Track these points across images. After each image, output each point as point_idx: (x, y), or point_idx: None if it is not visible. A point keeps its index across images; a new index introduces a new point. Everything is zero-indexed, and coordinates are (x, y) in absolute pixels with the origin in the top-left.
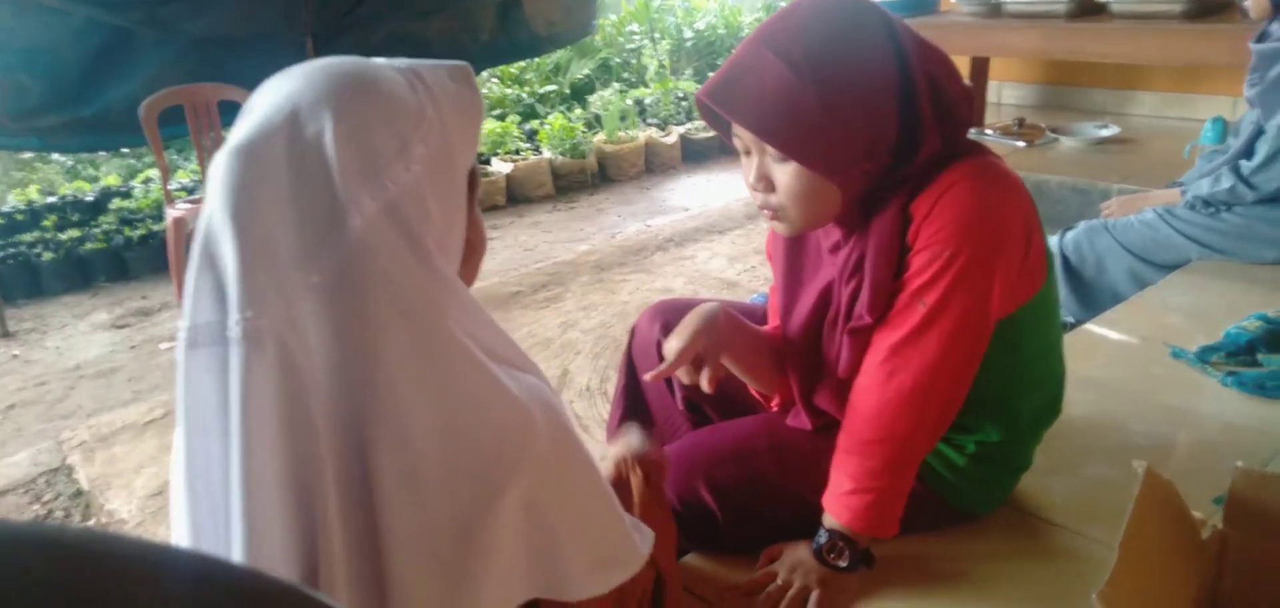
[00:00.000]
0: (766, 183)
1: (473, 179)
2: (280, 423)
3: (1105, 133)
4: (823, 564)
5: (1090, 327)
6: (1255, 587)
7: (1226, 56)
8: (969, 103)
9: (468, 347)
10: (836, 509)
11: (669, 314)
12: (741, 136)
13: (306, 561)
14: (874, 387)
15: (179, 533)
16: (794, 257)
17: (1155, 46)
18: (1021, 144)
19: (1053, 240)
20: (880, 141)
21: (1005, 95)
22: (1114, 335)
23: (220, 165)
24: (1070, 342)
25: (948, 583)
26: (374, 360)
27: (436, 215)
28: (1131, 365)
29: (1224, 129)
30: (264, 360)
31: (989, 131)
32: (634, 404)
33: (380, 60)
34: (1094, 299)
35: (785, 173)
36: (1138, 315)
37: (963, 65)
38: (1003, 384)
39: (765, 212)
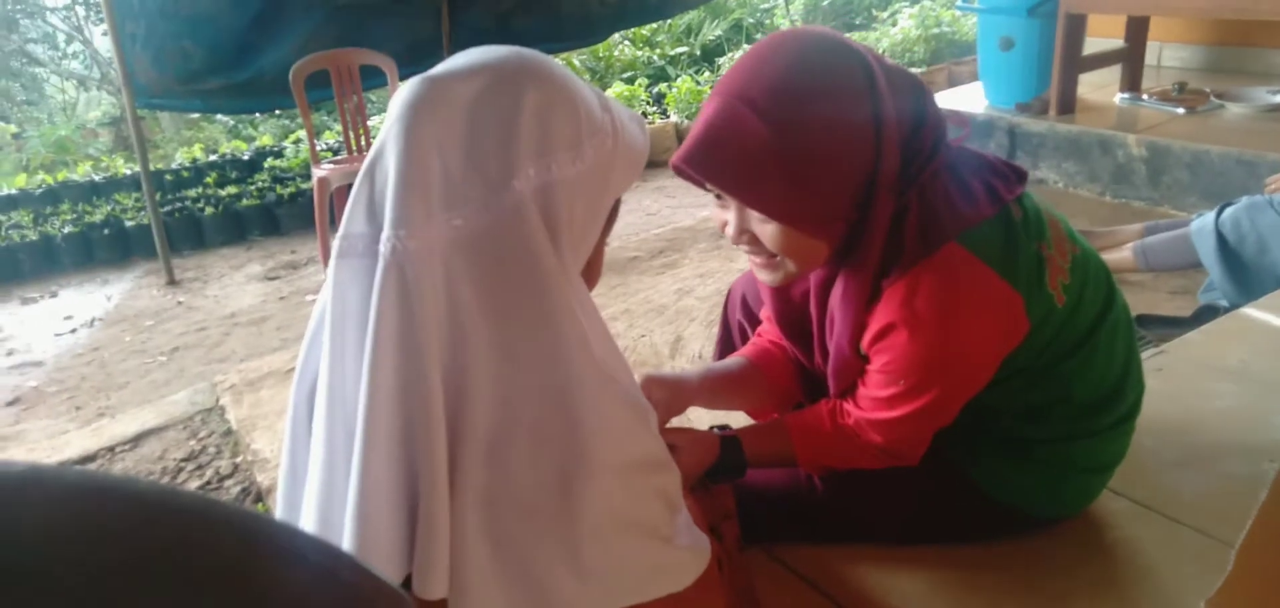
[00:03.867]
0: (749, 237)
1: (614, 211)
2: (398, 351)
3: None
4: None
5: (1246, 312)
6: None
7: None
8: (936, 145)
9: (584, 341)
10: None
11: (749, 284)
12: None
13: (408, 497)
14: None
15: (315, 448)
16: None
17: None
18: (1181, 110)
19: (1209, 217)
20: (859, 192)
21: (1166, 57)
22: (1273, 321)
23: (410, 86)
24: (1220, 327)
25: (1054, 580)
26: (494, 321)
27: (579, 219)
28: None
29: None
30: (401, 282)
31: (1145, 97)
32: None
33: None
34: (1254, 282)
35: (771, 230)
36: None
37: (1118, 24)
38: (1029, 399)
39: (755, 260)
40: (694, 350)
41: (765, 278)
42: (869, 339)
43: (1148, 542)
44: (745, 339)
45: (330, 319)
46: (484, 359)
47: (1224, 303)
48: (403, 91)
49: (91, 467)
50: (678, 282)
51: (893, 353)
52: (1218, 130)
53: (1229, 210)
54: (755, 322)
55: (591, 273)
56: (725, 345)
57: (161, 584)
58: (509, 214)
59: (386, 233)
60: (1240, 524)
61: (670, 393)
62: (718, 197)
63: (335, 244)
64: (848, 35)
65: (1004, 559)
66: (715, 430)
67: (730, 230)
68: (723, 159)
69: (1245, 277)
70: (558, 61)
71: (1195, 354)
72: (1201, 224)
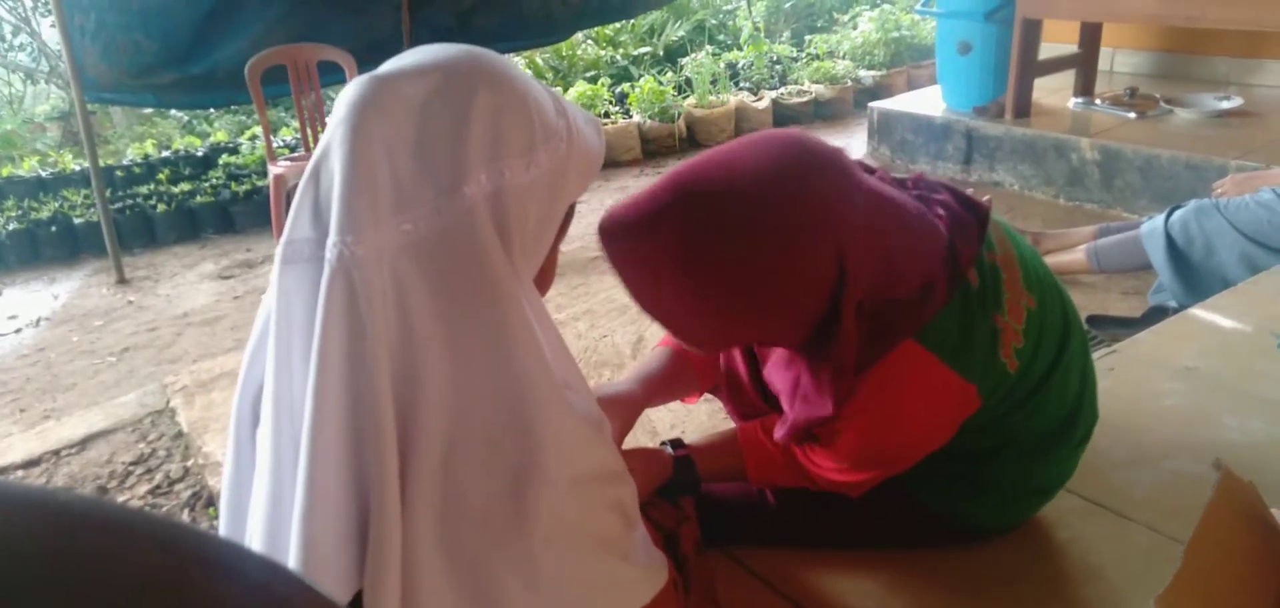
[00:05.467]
0: None
1: (567, 217)
2: (346, 360)
3: (1226, 105)
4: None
5: (1194, 312)
6: None
7: None
8: (918, 301)
9: (539, 348)
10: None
11: None
12: None
13: (358, 510)
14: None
15: (260, 460)
16: None
17: None
18: (1132, 115)
19: (1159, 220)
20: (803, 331)
21: (1118, 63)
22: (1219, 322)
23: (355, 87)
24: (1169, 328)
25: (1010, 578)
26: (445, 328)
27: (531, 225)
28: (1233, 356)
29: None
30: (348, 289)
31: (1098, 101)
32: None
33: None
34: (1200, 284)
35: None
36: (1247, 303)
37: (1072, 30)
38: (978, 444)
39: None
40: None
41: None
42: (818, 425)
43: (1099, 539)
44: None
45: (275, 327)
46: (435, 367)
47: (1173, 304)
48: (349, 91)
49: (31, 473)
50: None
51: (839, 443)
52: (1167, 135)
53: (1178, 214)
54: None
55: (545, 278)
56: None
57: (77, 599)
58: (460, 219)
59: (333, 238)
60: (1189, 522)
61: (622, 411)
62: None
63: (279, 250)
64: (833, 165)
65: (959, 558)
66: (667, 447)
67: None
68: (659, 316)
69: (1193, 278)
70: (511, 62)
71: (1145, 354)
72: (1151, 227)
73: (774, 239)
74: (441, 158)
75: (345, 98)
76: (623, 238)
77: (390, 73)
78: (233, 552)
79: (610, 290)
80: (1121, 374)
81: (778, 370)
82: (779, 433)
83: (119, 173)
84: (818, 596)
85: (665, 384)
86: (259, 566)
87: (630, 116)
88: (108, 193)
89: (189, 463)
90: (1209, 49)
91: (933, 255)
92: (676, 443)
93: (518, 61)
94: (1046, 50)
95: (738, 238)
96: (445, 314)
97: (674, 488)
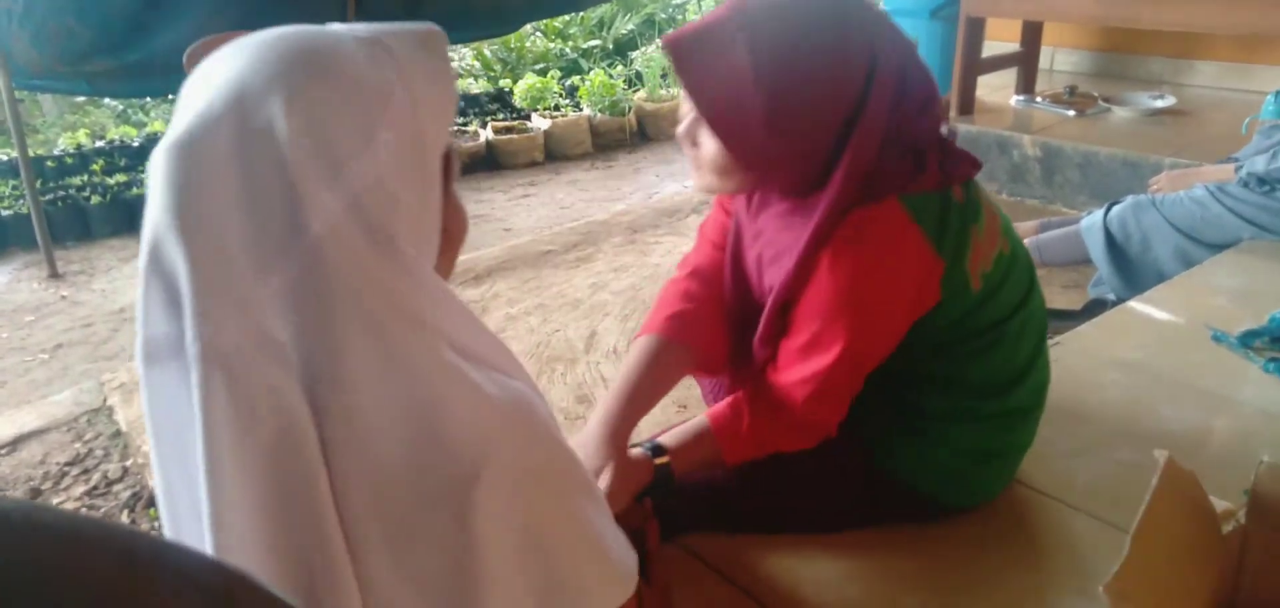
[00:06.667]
0: (692, 139)
1: (448, 160)
2: (250, 447)
3: (1160, 103)
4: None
5: (1132, 305)
6: (1276, 585)
7: None
8: (935, 144)
9: (437, 348)
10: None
11: None
12: None
13: (301, 582)
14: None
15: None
16: (750, 221)
17: (1218, 14)
18: (1071, 113)
19: (1098, 215)
20: (812, 158)
21: (1058, 61)
22: (1156, 315)
23: (159, 164)
24: (1109, 321)
25: (960, 565)
26: (335, 363)
27: (407, 204)
28: (1170, 348)
29: None
30: (232, 381)
31: (1039, 99)
32: None
33: (339, 27)
34: (1138, 277)
35: (712, 143)
36: (1182, 296)
37: (1014, 29)
38: (937, 383)
39: (689, 154)
40: (608, 345)
41: (692, 180)
42: (796, 274)
43: (1045, 527)
44: None
45: (152, 433)
46: (341, 407)
47: (1111, 297)
48: (156, 172)
49: None
50: (592, 276)
51: (812, 289)
52: (1105, 133)
53: (1116, 209)
54: None
55: (451, 237)
56: None
57: None
58: (319, 254)
59: (194, 331)
60: (1132, 509)
61: (616, 454)
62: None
63: (138, 349)
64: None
65: (909, 545)
66: (644, 450)
67: (681, 128)
68: (701, 71)
69: (1131, 272)
70: (313, 36)
71: (1087, 346)
72: (1091, 222)
73: (826, 28)
74: (277, 205)
75: (156, 179)
76: (699, 54)
77: (185, 136)
78: (191, 559)
79: (563, 285)
80: (1064, 365)
81: (772, 229)
82: (757, 337)
83: (50, 163)
84: (770, 583)
85: (656, 380)
86: (219, 573)
87: (581, 110)
88: (38, 184)
89: (128, 463)
90: (1144, 49)
91: (933, 90)
92: (657, 449)
93: (464, 52)
94: (989, 48)
95: (797, 23)
96: (336, 352)
97: (652, 490)
